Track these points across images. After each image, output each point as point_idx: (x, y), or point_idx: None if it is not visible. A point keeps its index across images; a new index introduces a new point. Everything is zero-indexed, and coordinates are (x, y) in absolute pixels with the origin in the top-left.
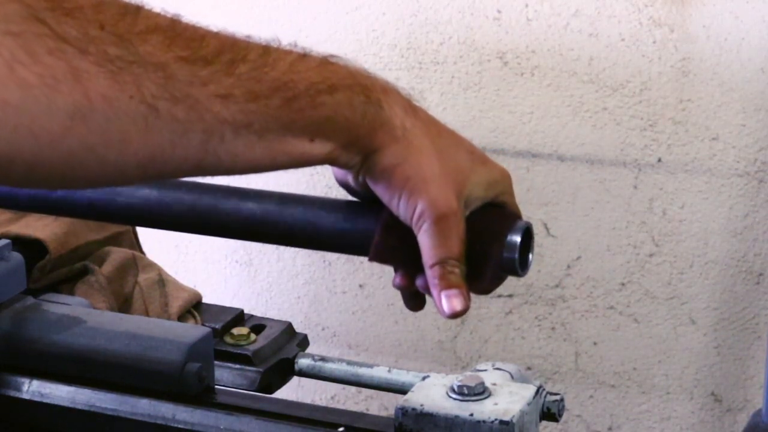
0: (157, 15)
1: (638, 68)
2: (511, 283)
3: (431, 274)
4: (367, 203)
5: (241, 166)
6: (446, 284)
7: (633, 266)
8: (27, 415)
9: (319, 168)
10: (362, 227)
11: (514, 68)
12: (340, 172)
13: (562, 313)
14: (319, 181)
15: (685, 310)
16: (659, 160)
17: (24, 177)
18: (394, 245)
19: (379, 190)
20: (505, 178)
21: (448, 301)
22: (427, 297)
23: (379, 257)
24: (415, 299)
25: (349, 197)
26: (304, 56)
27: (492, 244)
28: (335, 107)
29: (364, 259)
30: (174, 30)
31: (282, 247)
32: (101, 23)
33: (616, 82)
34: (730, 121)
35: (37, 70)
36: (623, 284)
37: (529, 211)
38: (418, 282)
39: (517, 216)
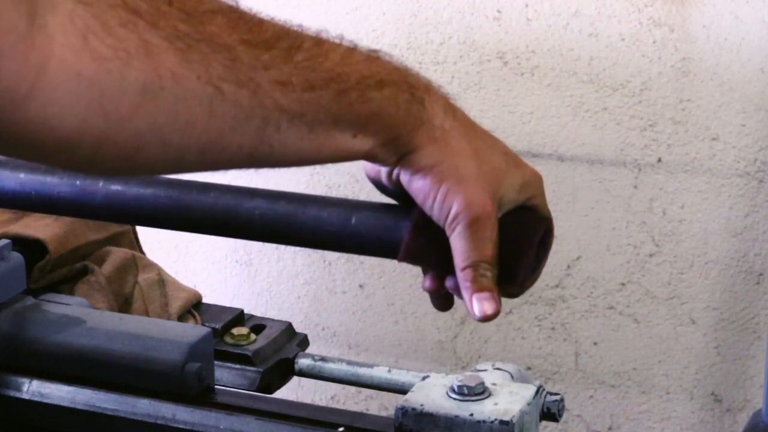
0: None
1: (638, 68)
2: None
3: (463, 277)
4: (394, 205)
5: (288, 158)
6: (478, 287)
7: (633, 266)
8: (27, 415)
9: (319, 168)
10: (392, 228)
11: (514, 68)
12: (373, 169)
13: (562, 313)
14: (318, 181)
15: (685, 310)
16: (659, 160)
17: (88, 159)
18: (424, 245)
19: (414, 190)
20: (538, 180)
21: (479, 304)
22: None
23: (409, 257)
24: (444, 300)
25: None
26: (353, 49)
27: (524, 248)
28: (382, 103)
29: (365, 259)
30: (236, 12)
31: (282, 247)
32: None
33: (616, 82)
34: (730, 121)
35: (110, 42)
36: (623, 284)
37: None
38: (448, 283)
39: (548, 220)
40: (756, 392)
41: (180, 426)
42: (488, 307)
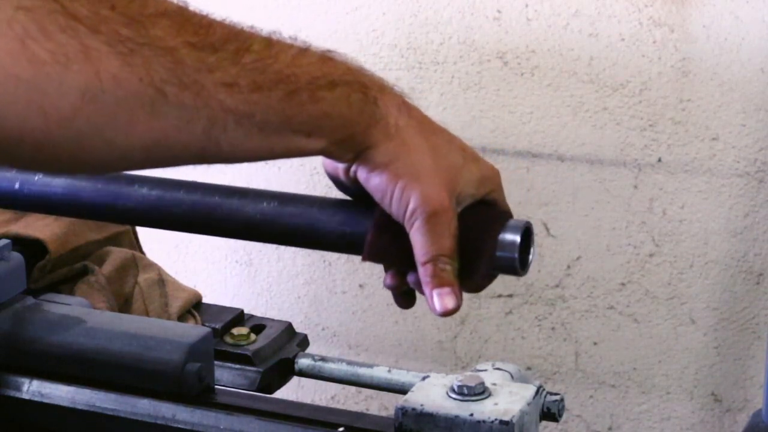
0: (165, 0)
1: (638, 68)
2: (511, 283)
3: (423, 272)
4: (359, 202)
5: (239, 156)
6: (438, 282)
7: (633, 266)
8: (27, 415)
9: (319, 168)
10: (355, 226)
11: (514, 68)
12: (331, 165)
13: (562, 313)
14: (319, 181)
15: (685, 310)
16: (659, 160)
17: (30, 158)
18: (387, 244)
19: (371, 187)
20: (496, 176)
21: (440, 299)
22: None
23: (373, 256)
24: (406, 297)
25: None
26: (305, 50)
27: (484, 241)
28: (334, 103)
29: None
30: (183, 15)
31: (282, 247)
32: (112, 3)
33: (616, 82)
34: (730, 121)
35: (49, 47)
36: (623, 284)
37: (529, 211)
38: (410, 279)
39: (508, 214)
40: (756, 392)
41: (180, 426)
42: (449, 302)
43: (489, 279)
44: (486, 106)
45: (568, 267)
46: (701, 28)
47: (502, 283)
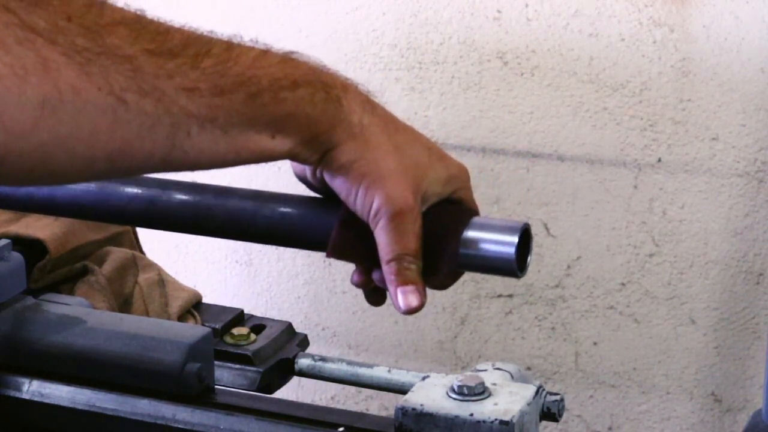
0: (122, 9)
1: (638, 68)
2: (511, 283)
3: (387, 270)
4: (326, 199)
5: (206, 161)
6: (402, 280)
7: (633, 266)
8: (27, 415)
9: None
10: (320, 223)
11: (514, 68)
12: (299, 167)
13: (562, 313)
14: None
15: (685, 310)
16: (659, 160)
17: None
18: (351, 241)
19: (337, 186)
20: (463, 174)
21: (404, 297)
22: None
23: (336, 253)
24: (375, 295)
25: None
26: (266, 52)
27: (448, 240)
28: (297, 103)
29: None
30: (140, 23)
31: (282, 247)
32: (68, 14)
33: (616, 82)
34: (730, 121)
35: (7, 60)
36: (623, 284)
37: (529, 211)
38: (375, 276)
39: (474, 212)
40: (756, 392)
41: (180, 426)
42: (413, 300)
43: (454, 277)
44: (486, 106)
45: (568, 267)
46: (701, 28)
47: (502, 283)
